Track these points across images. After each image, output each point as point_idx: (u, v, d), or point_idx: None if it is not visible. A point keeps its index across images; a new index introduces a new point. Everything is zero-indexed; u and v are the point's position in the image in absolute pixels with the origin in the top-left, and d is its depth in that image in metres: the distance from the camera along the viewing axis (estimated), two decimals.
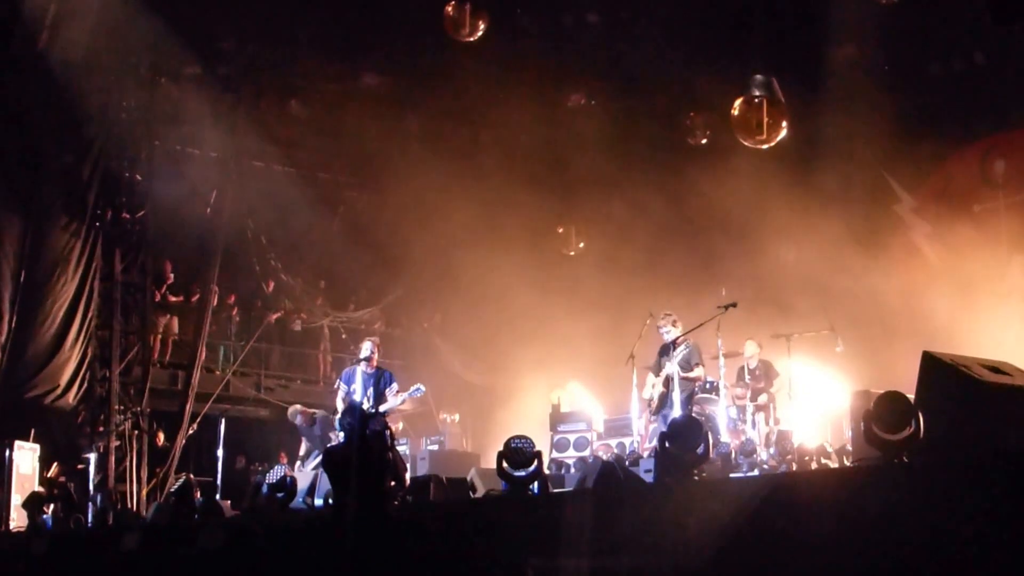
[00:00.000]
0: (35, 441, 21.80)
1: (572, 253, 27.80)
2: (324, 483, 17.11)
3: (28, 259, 22.70)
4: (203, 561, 13.18)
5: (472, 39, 21.45)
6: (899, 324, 21.44)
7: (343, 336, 28.75)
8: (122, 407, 23.89)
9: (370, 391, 17.25)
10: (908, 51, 23.11)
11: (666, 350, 18.73)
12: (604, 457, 20.09)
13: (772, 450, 18.31)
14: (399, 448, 20.88)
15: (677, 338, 18.57)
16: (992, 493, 8.31)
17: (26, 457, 21.37)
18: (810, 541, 9.02)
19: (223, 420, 22.17)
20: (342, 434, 16.99)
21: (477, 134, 26.06)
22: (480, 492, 16.16)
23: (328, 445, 20.82)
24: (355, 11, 22.87)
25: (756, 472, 17.16)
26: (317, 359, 28.94)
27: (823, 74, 22.39)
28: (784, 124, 19.68)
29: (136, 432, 23.89)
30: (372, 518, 10.88)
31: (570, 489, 15.77)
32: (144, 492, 23.64)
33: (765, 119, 19.47)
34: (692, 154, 24.99)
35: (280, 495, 15.41)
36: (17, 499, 20.38)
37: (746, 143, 20.15)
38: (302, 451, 21.91)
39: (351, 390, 17.49)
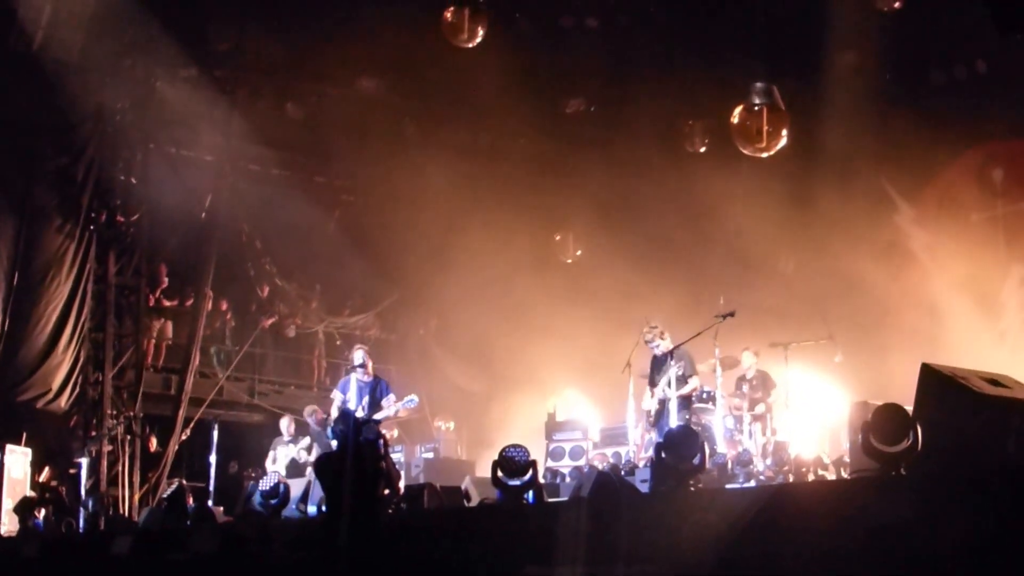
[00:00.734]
0: (27, 445, 21.71)
1: (569, 260, 27.73)
2: (317, 490, 17.00)
3: (21, 260, 22.63)
4: (194, 566, 13.08)
5: (471, 44, 21.37)
6: (898, 334, 21.37)
7: (338, 342, 28.63)
8: (115, 411, 23.78)
9: (365, 399, 17.11)
10: (909, 59, 23.05)
11: (659, 363, 18.50)
12: (600, 467, 20.01)
13: (769, 460, 18.24)
14: (394, 455, 20.81)
15: (669, 350, 18.32)
16: (991, 506, 8.24)
17: (18, 461, 21.27)
18: (807, 553, 8.95)
19: (216, 425, 22.02)
20: (335, 442, 16.85)
21: (475, 139, 25.97)
22: (475, 501, 16.08)
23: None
24: (353, 14, 22.78)
25: (752, 483, 17.10)
26: (311, 365, 28.80)
27: (824, 81, 22.30)
28: (784, 132, 19.60)
29: (129, 436, 23.79)
30: (365, 526, 10.77)
31: (565, 498, 15.64)
32: (136, 497, 23.54)
33: (765, 127, 19.39)
34: (691, 161, 24.91)
35: (273, 502, 15.32)
36: (8, 503, 20.25)
37: (745, 151, 20.08)
38: (271, 458, 21.65)
39: (346, 399, 17.33)
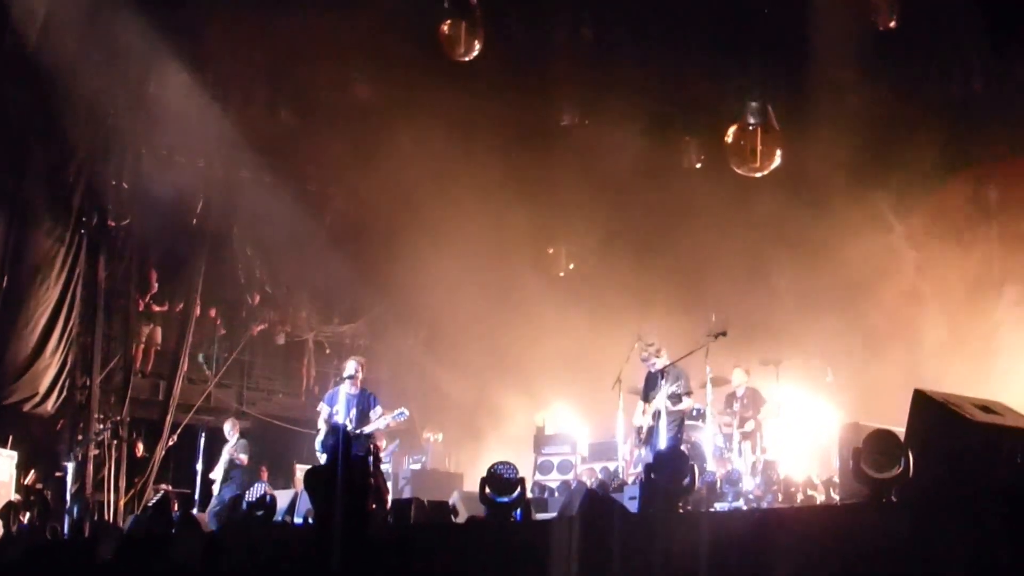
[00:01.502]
0: (13, 448, 21.67)
1: (562, 274, 27.70)
2: (304, 502, 16.94)
3: (10, 263, 22.55)
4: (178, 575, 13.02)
5: (468, 58, 21.33)
6: (889, 354, 21.35)
7: (327, 351, 28.61)
8: (102, 415, 23.74)
9: (353, 412, 16.89)
10: (904, 76, 23.03)
11: (653, 381, 18.40)
12: (588, 482, 19.96)
13: (758, 479, 18.17)
14: (384, 466, 20.74)
15: (664, 367, 18.23)
16: (982, 536, 8.22)
17: (3, 464, 21.25)
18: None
19: (203, 431, 21.90)
20: (324, 456, 16.67)
21: (468, 150, 25.89)
22: (462, 516, 16.03)
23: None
24: (347, 21, 22.71)
25: (741, 501, 17.06)
26: (300, 372, 28.74)
27: (817, 98, 22.27)
28: (778, 152, 19.58)
29: (115, 441, 23.76)
30: (352, 541, 10.72)
31: (553, 515, 15.58)
32: (122, 502, 23.51)
33: (759, 147, 19.37)
34: (685, 177, 24.87)
35: (259, 513, 15.26)
36: None
37: (739, 170, 20.05)
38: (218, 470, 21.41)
39: (334, 411, 17.12)
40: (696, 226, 24.18)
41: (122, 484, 23.70)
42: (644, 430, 18.27)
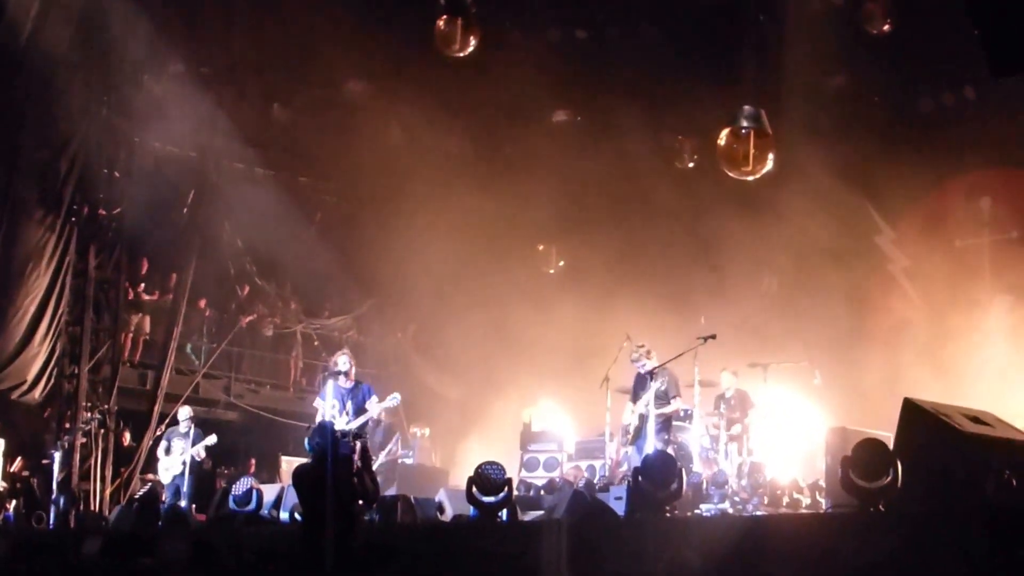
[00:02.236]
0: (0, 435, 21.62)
1: (552, 271, 27.72)
2: (291, 496, 16.92)
3: (0, 251, 22.47)
4: (164, 573, 13.00)
5: (463, 55, 21.31)
6: (877, 359, 21.38)
7: (315, 343, 28.58)
8: (89, 405, 23.67)
9: (349, 405, 16.89)
10: (898, 83, 23.08)
11: (642, 382, 18.42)
12: (573, 480, 19.98)
13: (744, 482, 18.18)
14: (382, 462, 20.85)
15: (653, 369, 18.24)
16: (970, 550, 8.24)
17: None
18: None
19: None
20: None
21: (460, 146, 25.90)
22: (448, 514, 16.04)
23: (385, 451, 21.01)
24: (341, 17, 22.71)
25: (727, 503, 17.07)
26: (288, 365, 28.73)
27: (810, 103, 22.32)
28: (770, 156, 19.52)
29: (103, 431, 23.67)
30: (339, 547, 10.73)
31: (540, 514, 15.59)
32: (108, 492, 23.44)
33: (752, 151, 19.33)
34: (677, 178, 24.92)
35: (246, 507, 15.27)
36: None
37: (731, 174, 20.00)
38: (163, 447, 20.81)
39: (329, 406, 17.10)
40: (686, 228, 24.24)
41: (108, 473, 23.63)
42: (632, 428, 18.30)
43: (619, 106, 24.16)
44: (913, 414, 10.36)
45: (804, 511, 17.03)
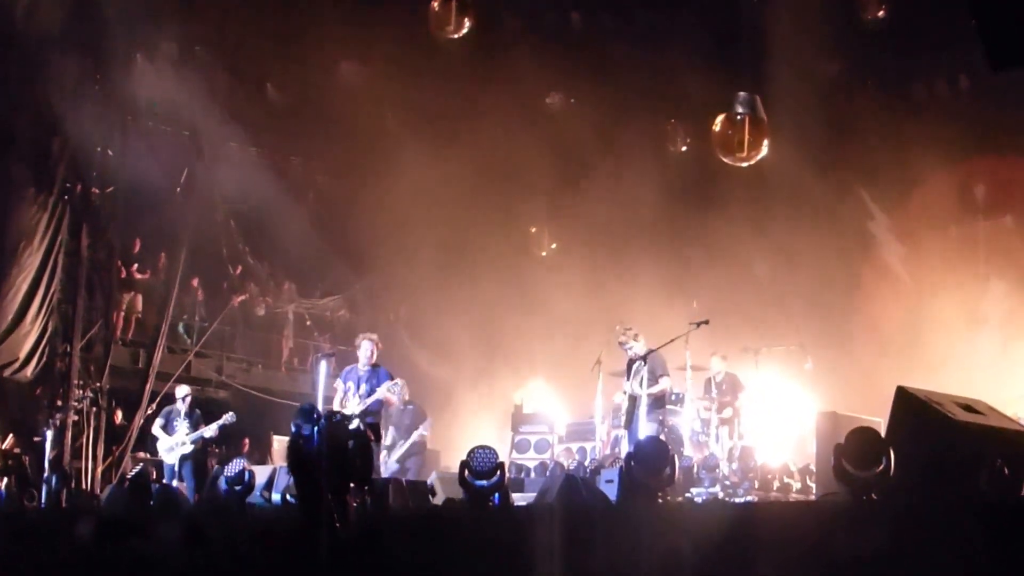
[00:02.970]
0: None
1: (544, 254, 27.74)
2: (283, 478, 16.93)
3: None
4: (157, 557, 12.99)
5: (456, 36, 21.30)
6: (869, 344, 21.44)
7: (307, 323, 28.59)
8: (81, 383, 23.64)
9: (363, 388, 17.08)
10: (893, 71, 23.09)
11: (632, 366, 18.43)
12: (565, 462, 20.02)
13: (735, 466, 18.23)
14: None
15: (646, 354, 18.22)
16: (962, 537, 8.26)
17: None
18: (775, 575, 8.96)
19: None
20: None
21: (454, 129, 25.85)
22: (440, 497, 16.05)
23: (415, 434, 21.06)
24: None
25: (718, 487, 17.13)
26: (280, 344, 28.73)
27: (805, 91, 22.29)
28: (765, 143, 19.56)
29: (95, 409, 23.63)
30: (329, 527, 10.74)
31: (531, 496, 15.61)
32: (99, 470, 23.43)
33: (746, 137, 19.36)
34: (670, 162, 24.94)
35: (238, 488, 15.26)
36: None
37: (726, 160, 20.04)
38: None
39: (347, 388, 17.28)
40: (679, 212, 24.25)
41: (100, 452, 23.60)
42: (624, 410, 18.31)
43: (613, 90, 24.17)
44: (905, 402, 10.35)
45: (795, 496, 17.11)
